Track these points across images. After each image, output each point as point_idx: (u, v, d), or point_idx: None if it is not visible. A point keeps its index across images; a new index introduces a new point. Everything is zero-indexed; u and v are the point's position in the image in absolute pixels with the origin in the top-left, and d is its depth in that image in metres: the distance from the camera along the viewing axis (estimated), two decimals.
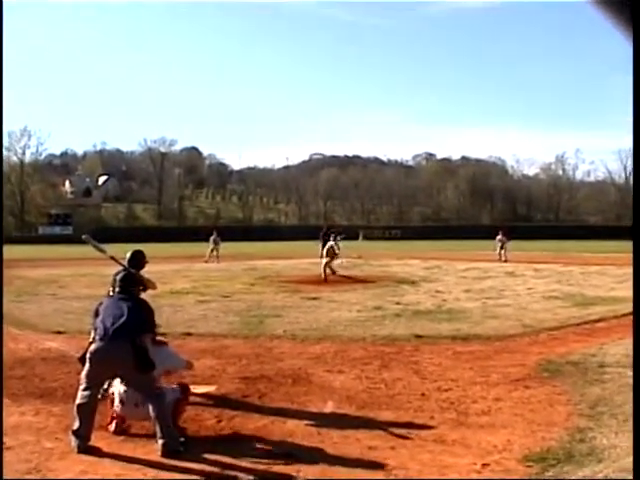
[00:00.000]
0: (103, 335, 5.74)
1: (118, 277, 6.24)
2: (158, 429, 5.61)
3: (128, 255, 6.50)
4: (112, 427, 6.06)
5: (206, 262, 33.01)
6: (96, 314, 6.02)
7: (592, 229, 78.08)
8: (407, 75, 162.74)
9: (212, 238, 35.69)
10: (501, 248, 34.43)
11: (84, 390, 5.75)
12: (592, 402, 6.89)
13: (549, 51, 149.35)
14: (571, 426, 6.07)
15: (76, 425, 5.64)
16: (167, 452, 5.47)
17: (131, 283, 6.22)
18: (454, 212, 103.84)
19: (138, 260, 6.49)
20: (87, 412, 5.67)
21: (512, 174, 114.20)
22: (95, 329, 5.89)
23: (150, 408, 5.69)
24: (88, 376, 5.77)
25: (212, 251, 34.91)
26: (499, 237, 35.12)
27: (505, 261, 32.67)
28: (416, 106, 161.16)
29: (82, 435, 5.59)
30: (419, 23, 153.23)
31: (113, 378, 6.04)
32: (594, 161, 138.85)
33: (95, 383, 5.81)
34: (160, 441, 5.54)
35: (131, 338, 5.73)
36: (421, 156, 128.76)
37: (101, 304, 6.09)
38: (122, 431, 6.03)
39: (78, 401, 5.74)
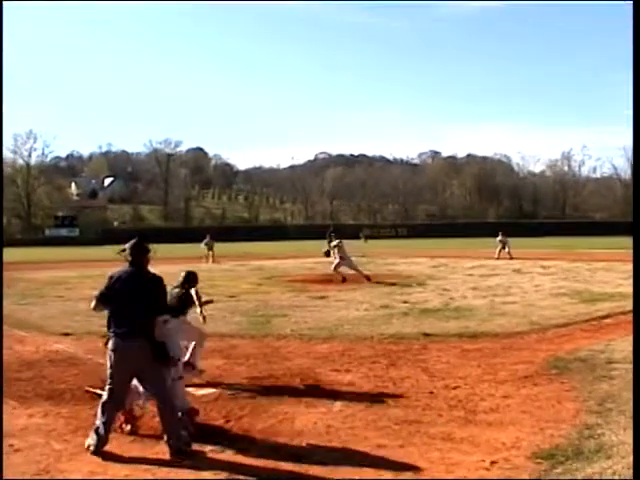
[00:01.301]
0: (119, 331, 5.58)
1: (128, 245, 5.88)
2: (165, 429, 5.59)
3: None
4: (127, 428, 6.07)
5: (206, 263, 33.46)
6: (109, 287, 5.77)
7: (598, 225, 78.07)
8: (413, 74, 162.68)
9: (205, 241, 36.26)
10: (502, 248, 34.01)
11: (108, 385, 5.68)
12: (600, 398, 6.88)
13: (555, 48, 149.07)
14: (579, 423, 6.06)
15: (97, 423, 5.58)
16: (174, 452, 5.45)
17: (140, 251, 5.87)
18: (460, 210, 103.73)
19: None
20: (108, 411, 5.61)
21: (518, 171, 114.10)
22: (110, 316, 5.71)
23: (158, 407, 5.68)
24: (111, 373, 5.66)
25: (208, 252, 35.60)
26: (500, 238, 34.71)
27: (510, 258, 32.40)
28: (421, 104, 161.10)
29: (100, 435, 5.53)
30: (425, 23, 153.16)
31: (134, 374, 5.75)
32: (600, 157, 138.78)
33: (118, 380, 5.65)
34: (167, 441, 5.52)
35: (146, 334, 5.56)
36: (427, 154, 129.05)
37: (112, 277, 5.81)
38: (134, 432, 6.04)
39: (103, 398, 5.70)
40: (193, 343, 7.85)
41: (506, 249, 33.98)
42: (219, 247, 37.47)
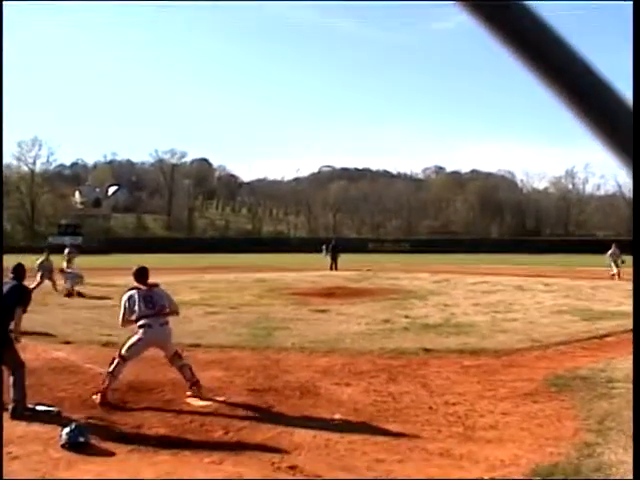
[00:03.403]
0: None
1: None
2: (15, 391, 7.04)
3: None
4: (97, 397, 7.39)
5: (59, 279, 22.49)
6: None
7: (602, 243, 77.64)
8: (417, 88, 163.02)
9: (66, 251, 24.73)
10: (615, 264, 28.13)
11: None
12: (600, 417, 6.87)
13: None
14: (579, 441, 6.05)
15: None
16: (13, 411, 6.84)
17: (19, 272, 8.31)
18: (463, 225, 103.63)
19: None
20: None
21: (522, 188, 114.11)
22: None
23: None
24: None
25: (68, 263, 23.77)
26: (612, 250, 28.90)
27: (618, 278, 26.96)
28: (426, 119, 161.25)
29: None
30: (429, 37, 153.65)
31: None
32: (604, 175, 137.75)
33: None
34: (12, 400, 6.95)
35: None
36: (431, 169, 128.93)
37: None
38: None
39: None
40: None
41: (618, 266, 27.83)
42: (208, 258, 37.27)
